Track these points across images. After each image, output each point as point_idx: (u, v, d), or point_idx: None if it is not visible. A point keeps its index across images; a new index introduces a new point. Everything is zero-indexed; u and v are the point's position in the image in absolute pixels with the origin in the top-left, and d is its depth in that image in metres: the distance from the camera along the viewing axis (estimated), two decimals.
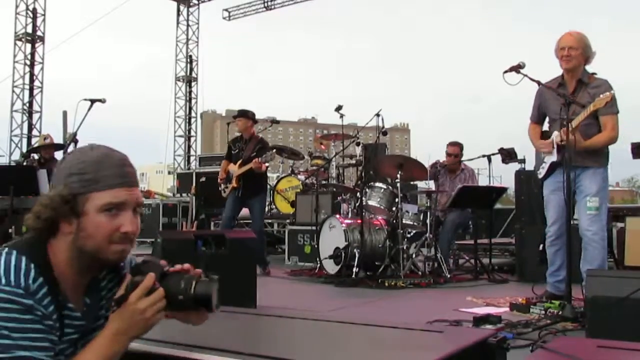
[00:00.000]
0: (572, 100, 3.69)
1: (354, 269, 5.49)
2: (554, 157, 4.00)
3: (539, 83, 3.99)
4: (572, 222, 4.97)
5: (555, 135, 3.96)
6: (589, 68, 4.03)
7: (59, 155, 6.93)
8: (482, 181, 7.81)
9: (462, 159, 6.82)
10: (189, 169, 15.74)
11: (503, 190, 6.40)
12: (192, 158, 17.76)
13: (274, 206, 8.83)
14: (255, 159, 5.97)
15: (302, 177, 8.63)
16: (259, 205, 6.33)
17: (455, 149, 6.73)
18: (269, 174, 6.85)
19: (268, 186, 6.99)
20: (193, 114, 18.36)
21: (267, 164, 6.00)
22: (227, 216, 6.35)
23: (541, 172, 4.18)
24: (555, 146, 3.96)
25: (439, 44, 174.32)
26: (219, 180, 6.50)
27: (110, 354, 1.29)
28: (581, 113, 3.75)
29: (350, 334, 1.58)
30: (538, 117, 4.26)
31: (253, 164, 5.95)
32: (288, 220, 8.16)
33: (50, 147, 6.86)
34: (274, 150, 6.42)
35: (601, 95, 3.65)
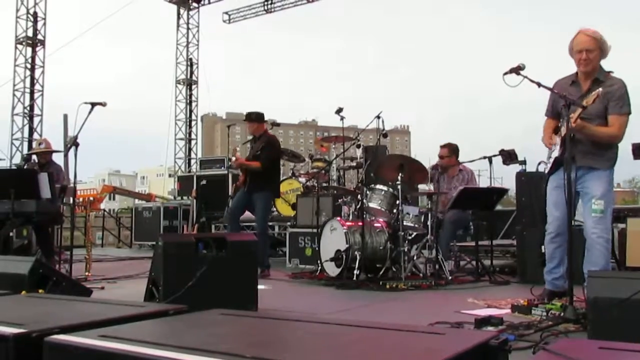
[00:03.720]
0: (572, 101, 3.67)
1: (355, 272, 5.48)
2: (556, 153, 3.96)
3: (538, 84, 3.99)
4: (574, 223, 4.96)
5: (562, 130, 3.87)
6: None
7: (59, 158, 6.91)
8: (483, 182, 7.80)
9: (463, 160, 6.81)
10: (189, 172, 15.76)
11: (504, 191, 6.39)
12: (192, 161, 17.79)
13: (274, 209, 8.82)
14: (238, 158, 6.63)
15: (302, 179, 8.63)
16: (261, 204, 6.45)
17: (444, 151, 6.72)
18: None
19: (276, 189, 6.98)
20: (193, 117, 18.40)
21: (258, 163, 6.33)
22: (233, 207, 6.67)
23: (547, 167, 4.14)
24: (559, 141, 3.87)
25: (439, 45, 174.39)
26: (238, 183, 6.83)
27: None
28: (578, 109, 3.68)
29: (352, 337, 1.58)
30: (552, 112, 4.16)
31: (235, 161, 6.62)
32: (289, 223, 8.16)
33: (45, 153, 6.81)
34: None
35: (592, 93, 3.58)
